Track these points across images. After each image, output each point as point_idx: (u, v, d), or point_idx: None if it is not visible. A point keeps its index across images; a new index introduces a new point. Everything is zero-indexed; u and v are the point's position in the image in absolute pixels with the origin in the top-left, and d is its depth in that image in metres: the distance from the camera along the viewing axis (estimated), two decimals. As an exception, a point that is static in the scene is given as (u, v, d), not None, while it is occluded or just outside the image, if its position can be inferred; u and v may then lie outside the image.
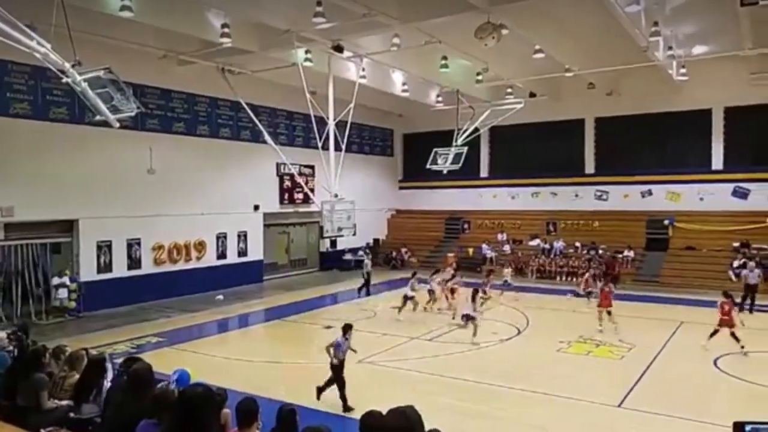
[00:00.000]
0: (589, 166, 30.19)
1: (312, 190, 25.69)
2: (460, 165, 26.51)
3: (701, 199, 26.85)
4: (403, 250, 31.79)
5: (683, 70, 22.73)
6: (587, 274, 21.69)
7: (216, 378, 8.12)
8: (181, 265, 22.57)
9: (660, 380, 12.33)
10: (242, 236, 25.46)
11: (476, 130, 27.19)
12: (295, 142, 27.89)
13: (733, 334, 14.08)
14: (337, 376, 10.43)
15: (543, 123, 29.74)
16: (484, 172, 33.22)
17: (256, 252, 26.16)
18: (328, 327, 17.79)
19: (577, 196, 30.02)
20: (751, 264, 20.37)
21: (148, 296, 20.78)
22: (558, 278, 26.90)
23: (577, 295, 21.24)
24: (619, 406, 10.83)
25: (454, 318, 17.72)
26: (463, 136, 26.47)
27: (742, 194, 26.20)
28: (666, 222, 27.14)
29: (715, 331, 14.23)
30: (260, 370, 13.35)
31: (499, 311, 19.60)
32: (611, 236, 27.66)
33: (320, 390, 10.67)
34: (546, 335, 16.23)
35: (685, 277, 24.20)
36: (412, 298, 18.90)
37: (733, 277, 23.61)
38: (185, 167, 22.64)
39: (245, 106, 22.33)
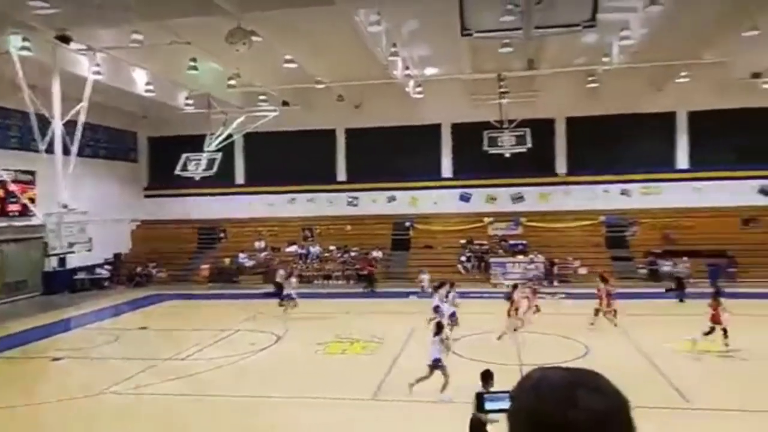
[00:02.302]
0: (341, 174, 31.71)
1: (32, 200, 21.99)
2: (214, 171, 25.48)
3: (435, 203, 30.24)
4: (151, 264, 29.23)
5: (419, 89, 25.36)
6: None
7: None
8: None
9: (409, 368, 13.38)
10: (-63, 258, 20.55)
11: (230, 136, 26.44)
12: (9, 144, 23.57)
13: None
14: None
15: (298, 131, 30.27)
16: (239, 179, 32.50)
17: (-42, 276, 21.35)
18: (57, 359, 15.41)
19: (330, 202, 31.26)
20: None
21: None
22: (315, 282, 27.59)
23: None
24: (372, 398, 11.46)
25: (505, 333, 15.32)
26: (216, 141, 25.52)
27: (466, 198, 30.29)
28: (407, 224, 29.94)
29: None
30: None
31: (260, 320, 19.30)
32: (362, 239, 29.45)
33: None
34: (304, 339, 16.46)
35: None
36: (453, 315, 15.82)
37: (462, 270, 27.18)
38: None
39: (-62, 98, 18.12)
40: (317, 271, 28.17)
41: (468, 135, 27.93)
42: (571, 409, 1.10)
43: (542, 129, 27.75)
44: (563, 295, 22.40)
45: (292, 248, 29.82)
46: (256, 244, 30.09)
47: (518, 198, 29.74)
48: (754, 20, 17.15)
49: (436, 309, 15.84)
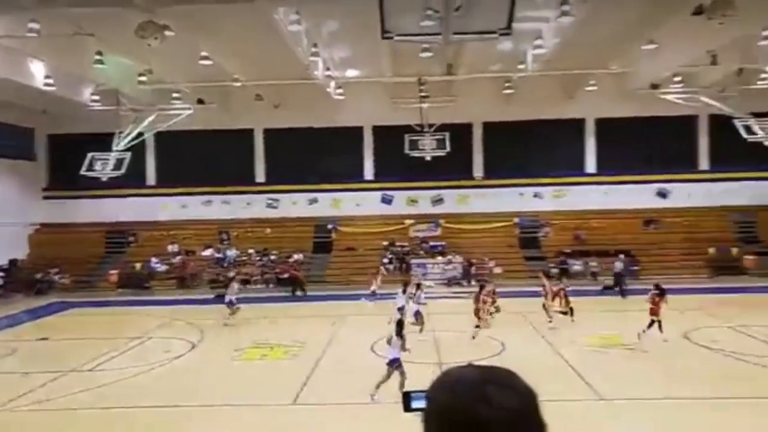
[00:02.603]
0: (260, 175, 30.98)
1: None
2: (122, 171, 24.14)
3: (357, 205, 30.19)
4: (53, 270, 27.20)
5: (340, 90, 25.22)
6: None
7: None
8: None
9: (330, 372, 13.28)
10: None
11: (140, 134, 25.15)
12: None
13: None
14: None
15: (213, 131, 29.25)
16: (151, 180, 30.97)
17: None
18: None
19: (248, 204, 30.45)
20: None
21: None
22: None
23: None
24: (294, 403, 11.22)
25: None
26: (125, 140, 24.19)
27: (388, 201, 30.47)
28: (330, 226, 29.71)
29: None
30: None
31: (175, 327, 18.46)
32: (282, 242, 28.89)
33: None
34: (221, 346, 15.91)
35: (347, 275, 26.79)
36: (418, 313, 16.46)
37: (384, 272, 27.26)
38: None
39: None
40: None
41: (389, 138, 28.12)
42: (484, 406, 1.11)
43: (461, 133, 28.44)
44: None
45: (208, 252, 28.77)
46: (169, 248, 28.76)
47: (438, 200, 30.28)
48: (652, 35, 18.42)
49: (401, 309, 16.06)
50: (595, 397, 11.17)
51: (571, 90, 27.34)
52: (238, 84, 23.45)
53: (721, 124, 25.56)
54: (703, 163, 29.83)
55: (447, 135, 24.71)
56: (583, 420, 9.98)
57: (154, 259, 27.74)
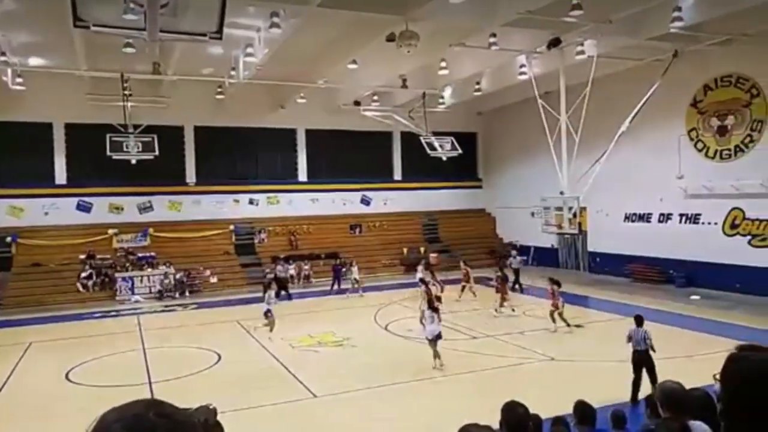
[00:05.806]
0: None
1: None
2: None
3: (46, 213, 26.13)
4: None
5: (20, 80, 21.50)
6: None
7: None
8: None
9: (8, 405, 11.29)
10: None
11: None
12: None
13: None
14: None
15: None
16: None
17: None
18: None
19: None
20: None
21: None
22: None
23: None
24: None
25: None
26: None
27: (86, 208, 27.05)
28: (8, 239, 25.05)
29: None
30: None
31: None
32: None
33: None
34: None
35: (33, 295, 22.99)
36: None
37: (81, 288, 24.19)
38: None
39: None
40: None
41: (87, 138, 25.04)
42: None
43: (172, 136, 27.00)
44: (196, 306, 22.20)
45: None
46: None
47: (146, 208, 28.12)
48: (354, 56, 20.20)
49: (425, 284, 17.29)
50: (308, 396, 11.66)
51: (283, 100, 28.22)
52: None
53: (411, 141, 29.36)
54: (397, 173, 33.97)
55: (155, 137, 22.94)
56: (298, 418, 10.38)
57: None
